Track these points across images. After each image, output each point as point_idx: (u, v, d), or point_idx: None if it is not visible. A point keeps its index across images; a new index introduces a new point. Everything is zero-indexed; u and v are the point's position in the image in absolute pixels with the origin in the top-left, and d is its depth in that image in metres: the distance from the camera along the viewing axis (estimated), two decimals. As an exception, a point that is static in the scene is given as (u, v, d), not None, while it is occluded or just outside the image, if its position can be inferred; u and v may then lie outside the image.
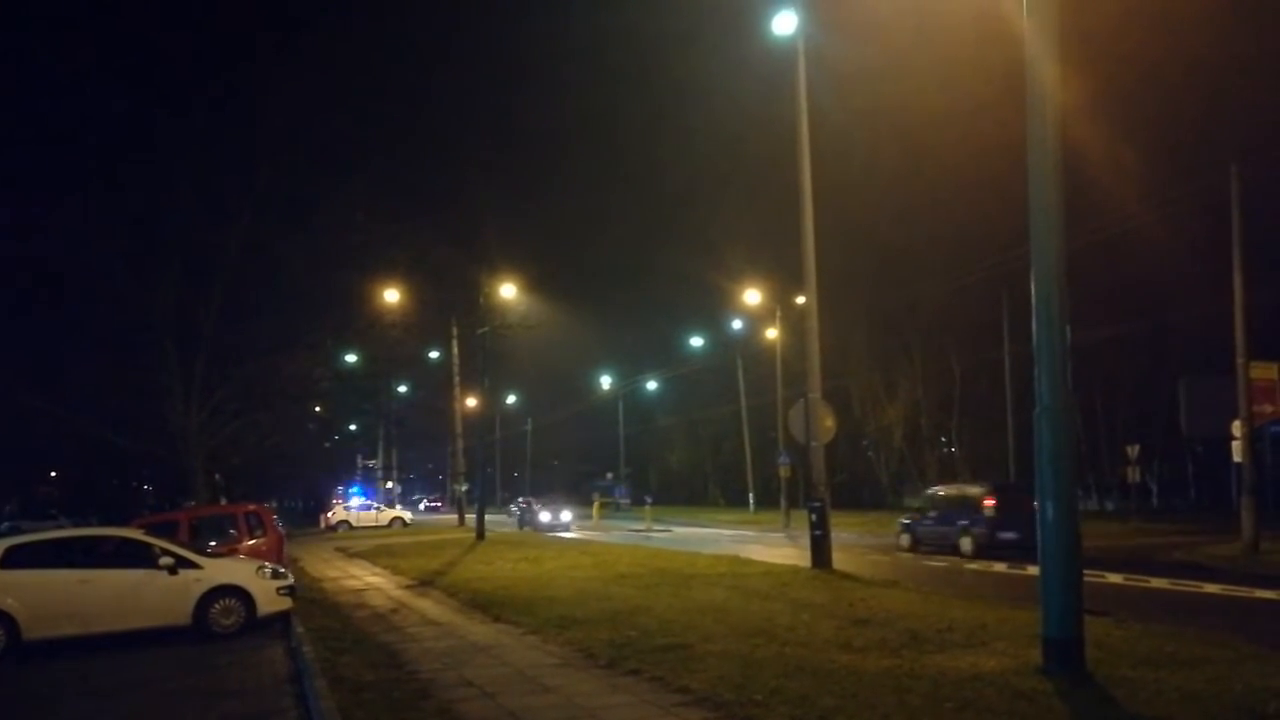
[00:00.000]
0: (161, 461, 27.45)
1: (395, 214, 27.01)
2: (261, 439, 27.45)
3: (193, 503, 24.29)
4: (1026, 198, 8.13)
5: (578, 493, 69.42)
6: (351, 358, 33.24)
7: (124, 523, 17.29)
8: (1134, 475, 31.07)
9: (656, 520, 39.20)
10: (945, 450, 52.97)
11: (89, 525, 23.29)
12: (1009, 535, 20.64)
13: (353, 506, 50.40)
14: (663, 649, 9.17)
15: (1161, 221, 28.74)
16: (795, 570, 16.55)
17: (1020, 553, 19.36)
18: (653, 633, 10.11)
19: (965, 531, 21.61)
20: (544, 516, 41.28)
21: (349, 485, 61.04)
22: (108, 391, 24.45)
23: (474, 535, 30.44)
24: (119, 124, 23.77)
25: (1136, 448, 30.62)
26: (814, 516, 17.08)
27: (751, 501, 51.59)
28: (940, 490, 24.74)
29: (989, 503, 21.51)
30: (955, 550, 21.60)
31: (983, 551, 20.94)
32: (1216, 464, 33.97)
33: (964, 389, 47.79)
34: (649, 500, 46.66)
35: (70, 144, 23.62)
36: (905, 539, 23.77)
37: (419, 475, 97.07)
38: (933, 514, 23.45)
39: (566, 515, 42.44)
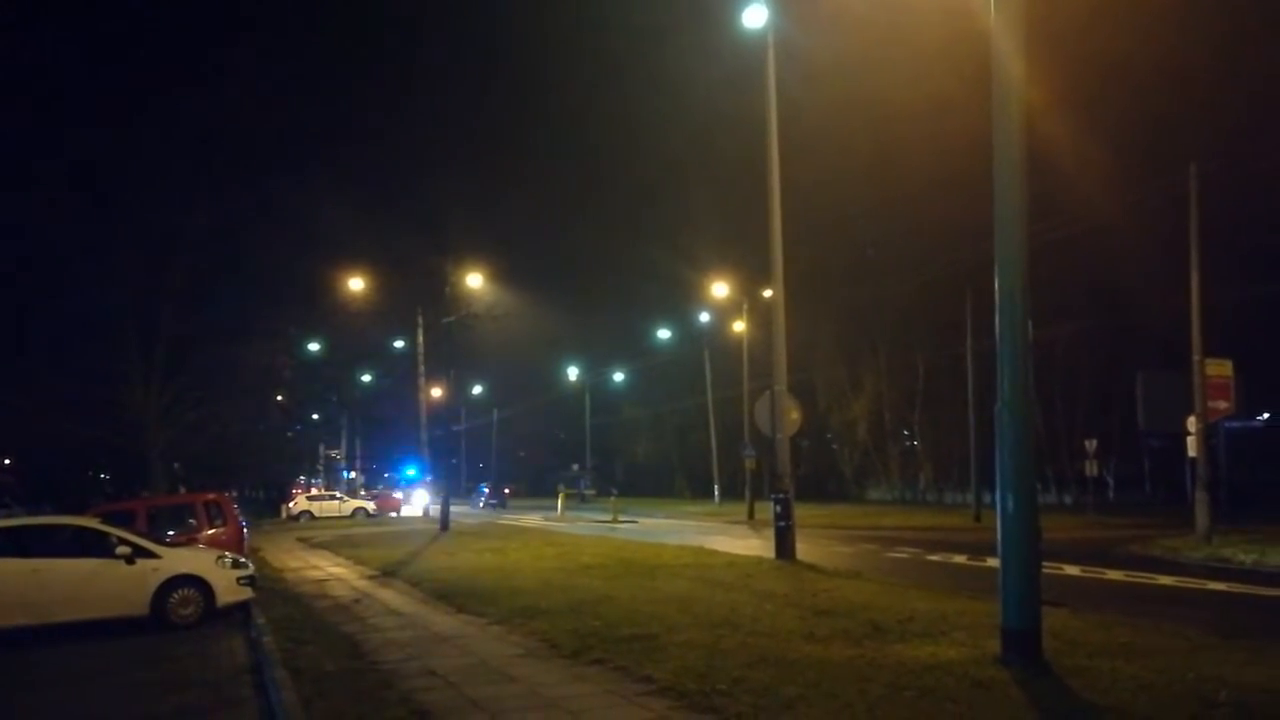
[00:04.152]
0: (119, 450, 27.04)
1: (360, 202, 26.90)
2: (222, 427, 27.15)
3: (149, 493, 23.93)
4: (992, 194, 8.21)
5: (544, 484, 69.31)
6: (314, 346, 32.91)
7: (80, 511, 16.97)
8: (1092, 469, 31.55)
9: (622, 512, 39.20)
10: (908, 444, 53.52)
11: (44, 514, 22.85)
12: (493, 501, 53.85)
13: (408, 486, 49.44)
14: (627, 639, 9.19)
15: (1123, 219, 29.20)
16: (759, 561, 16.64)
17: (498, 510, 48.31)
18: (617, 623, 10.12)
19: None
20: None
21: (405, 462, 56.03)
22: (64, 377, 24.02)
23: (438, 526, 30.30)
24: (77, 109, 23.32)
25: (1094, 442, 31.08)
26: (778, 508, 17.18)
27: (717, 493, 51.81)
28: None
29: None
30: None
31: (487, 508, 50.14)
32: (1172, 459, 34.58)
33: (927, 384, 48.30)
34: (615, 492, 46.65)
35: (29, 128, 23.14)
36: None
37: (383, 465, 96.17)
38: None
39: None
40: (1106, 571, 16.57)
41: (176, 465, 32.33)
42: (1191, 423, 22.59)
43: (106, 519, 13.63)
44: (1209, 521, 21.31)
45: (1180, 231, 22.88)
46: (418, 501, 49.79)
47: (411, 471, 51.31)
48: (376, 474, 72.72)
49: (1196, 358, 22.19)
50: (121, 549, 11.85)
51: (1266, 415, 37.39)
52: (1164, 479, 40.84)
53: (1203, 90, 31.22)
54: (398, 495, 53.14)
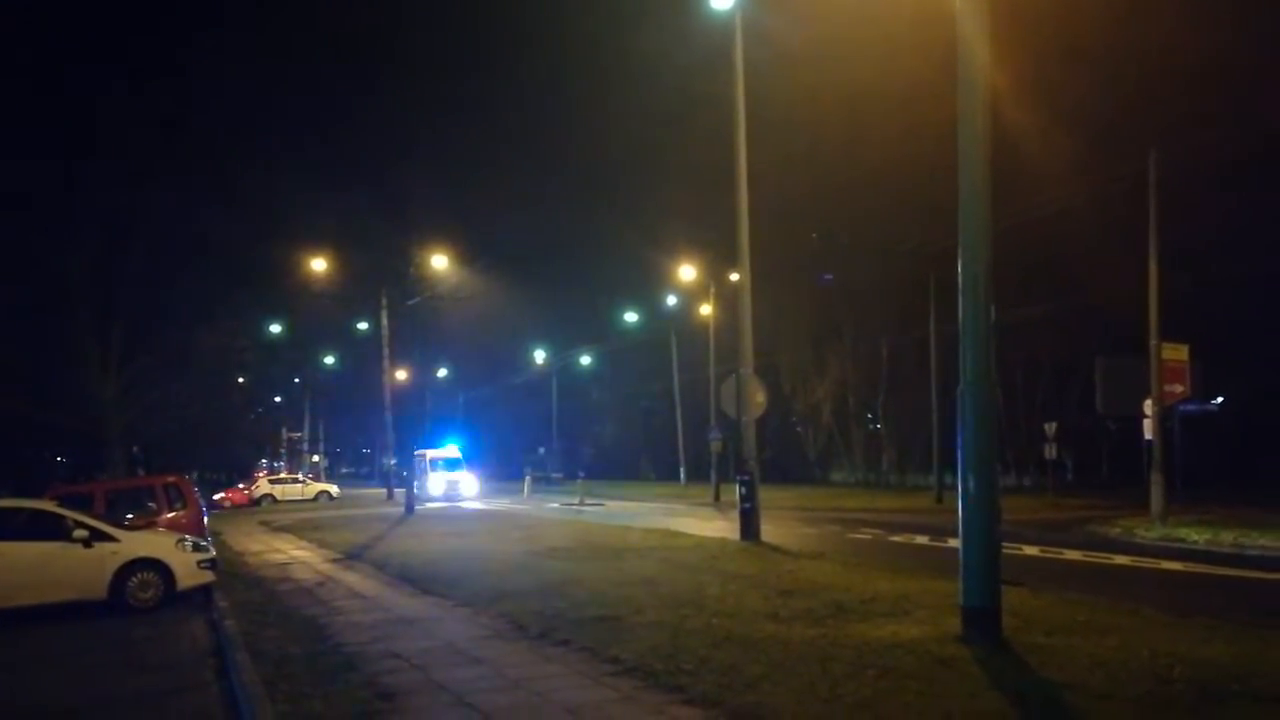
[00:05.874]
0: (77, 432, 26.59)
1: (325, 183, 26.64)
2: (182, 410, 26.78)
3: (107, 475, 23.56)
4: (956, 178, 8.26)
5: (510, 467, 69.11)
6: (276, 328, 32.50)
7: (36, 494, 16.66)
8: (1051, 452, 31.99)
9: (589, 494, 39.22)
10: (872, 427, 54.00)
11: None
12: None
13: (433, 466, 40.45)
14: (594, 620, 9.22)
15: (1083, 203, 29.51)
16: (725, 543, 16.74)
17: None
18: (584, 604, 10.15)
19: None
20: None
21: (436, 441, 43.46)
22: (19, 358, 23.54)
23: (402, 509, 30.15)
24: (37, 88, 22.75)
25: (1054, 425, 31.52)
26: (743, 490, 17.28)
27: (683, 476, 52.00)
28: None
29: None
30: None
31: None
32: (1129, 442, 35.17)
33: (891, 367, 48.69)
34: (582, 474, 46.64)
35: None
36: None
37: (346, 449, 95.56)
38: None
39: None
40: (1064, 551, 16.86)
41: (135, 448, 31.84)
42: (1148, 406, 22.99)
43: (63, 502, 13.40)
44: (1164, 503, 21.73)
45: (1139, 215, 23.18)
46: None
47: (454, 450, 42.59)
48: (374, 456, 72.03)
49: (1153, 342, 22.55)
50: (79, 532, 11.67)
51: (1221, 399, 38.12)
52: (1121, 461, 41.52)
53: (1163, 75, 31.58)
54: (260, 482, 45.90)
